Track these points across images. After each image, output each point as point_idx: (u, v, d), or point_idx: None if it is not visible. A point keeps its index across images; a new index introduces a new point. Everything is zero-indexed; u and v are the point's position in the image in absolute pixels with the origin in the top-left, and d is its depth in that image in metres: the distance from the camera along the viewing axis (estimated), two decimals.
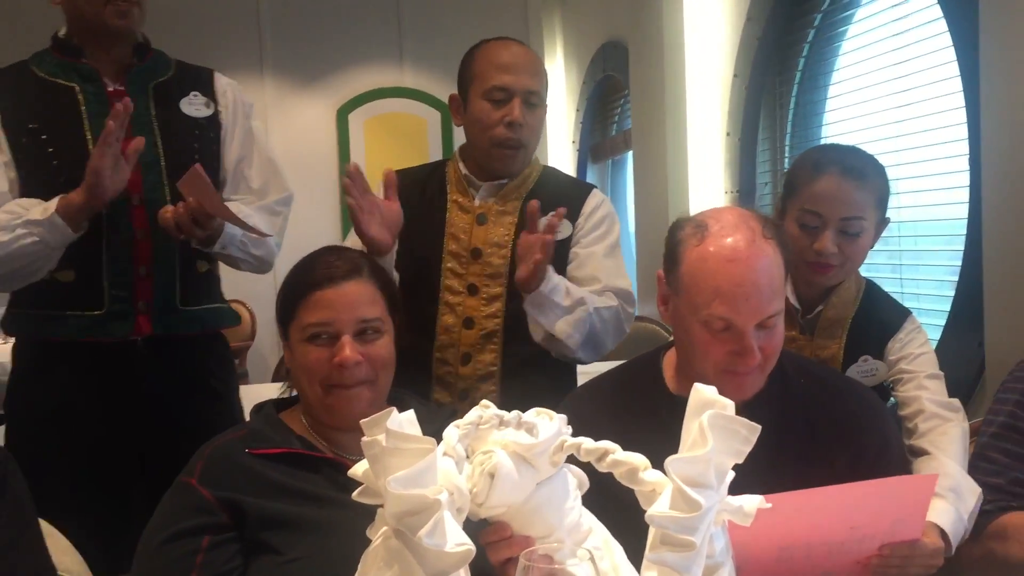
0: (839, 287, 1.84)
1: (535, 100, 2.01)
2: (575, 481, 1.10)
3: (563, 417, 1.06)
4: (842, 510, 1.25)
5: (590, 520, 1.11)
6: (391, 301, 1.55)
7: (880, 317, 1.85)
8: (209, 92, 2.13)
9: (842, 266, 1.79)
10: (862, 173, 1.80)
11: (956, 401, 1.74)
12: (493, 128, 1.99)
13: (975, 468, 1.58)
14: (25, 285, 1.97)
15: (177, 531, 1.37)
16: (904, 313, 1.86)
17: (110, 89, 2.02)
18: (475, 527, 1.04)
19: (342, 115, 6.69)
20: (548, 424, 1.03)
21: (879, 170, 1.84)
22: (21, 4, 4.87)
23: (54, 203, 1.86)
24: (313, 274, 1.51)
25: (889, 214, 1.87)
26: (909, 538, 1.32)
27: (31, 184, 1.96)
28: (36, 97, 2.00)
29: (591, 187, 2.17)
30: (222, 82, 2.17)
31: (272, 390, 1.84)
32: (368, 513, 1.02)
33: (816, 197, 1.77)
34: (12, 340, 2.13)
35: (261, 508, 1.38)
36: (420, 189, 2.10)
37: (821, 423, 1.48)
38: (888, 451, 1.48)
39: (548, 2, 6.60)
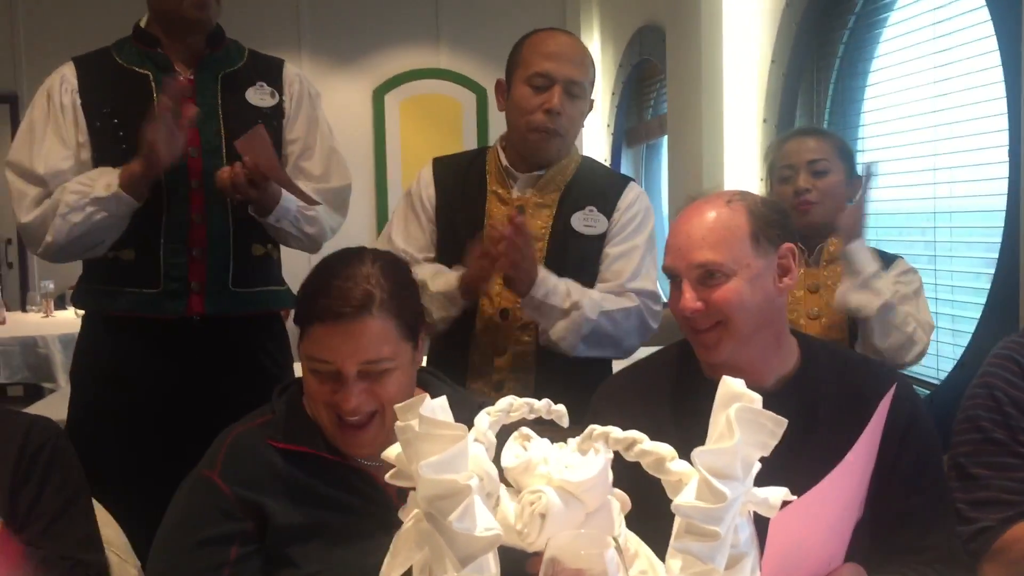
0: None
1: (577, 91, 2.01)
2: (619, 506, 1.11)
3: (610, 456, 1.07)
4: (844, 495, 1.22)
5: (636, 543, 1.13)
6: (409, 327, 1.40)
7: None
8: (277, 82, 2.19)
9: (821, 202, 2.19)
10: (819, 130, 2.50)
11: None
12: (531, 113, 2.00)
13: (958, 490, 1.57)
14: (88, 258, 2.10)
15: (205, 538, 1.34)
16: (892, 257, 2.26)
17: (181, 77, 2.08)
18: (520, 555, 1.06)
19: (378, 96, 6.71)
20: (594, 459, 1.04)
21: (835, 134, 2.39)
22: None
23: (115, 178, 1.96)
24: (319, 303, 1.36)
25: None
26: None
27: (103, 165, 2.05)
28: (113, 83, 2.08)
29: (628, 180, 2.18)
30: (290, 73, 2.23)
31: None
32: (385, 522, 1.04)
33: (786, 155, 2.25)
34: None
35: (282, 516, 1.36)
36: (461, 178, 2.12)
37: (851, 399, 1.50)
38: (917, 423, 1.50)
39: None
